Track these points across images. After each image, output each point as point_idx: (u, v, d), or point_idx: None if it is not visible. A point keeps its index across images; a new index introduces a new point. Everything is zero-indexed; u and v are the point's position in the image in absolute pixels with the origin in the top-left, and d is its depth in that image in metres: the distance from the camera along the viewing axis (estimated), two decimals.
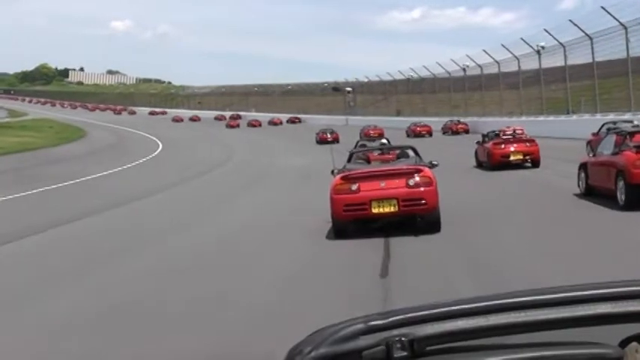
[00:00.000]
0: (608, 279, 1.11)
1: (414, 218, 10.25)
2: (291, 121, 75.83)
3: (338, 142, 38.23)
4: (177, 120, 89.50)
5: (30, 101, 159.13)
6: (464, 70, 52.13)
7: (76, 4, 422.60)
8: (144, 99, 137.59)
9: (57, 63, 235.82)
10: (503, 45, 44.27)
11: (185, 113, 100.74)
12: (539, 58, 41.29)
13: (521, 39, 41.72)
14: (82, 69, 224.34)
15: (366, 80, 73.32)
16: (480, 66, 48.97)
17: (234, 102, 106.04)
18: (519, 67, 44.30)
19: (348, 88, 74.87)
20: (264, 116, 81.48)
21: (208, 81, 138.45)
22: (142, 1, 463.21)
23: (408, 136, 42.48)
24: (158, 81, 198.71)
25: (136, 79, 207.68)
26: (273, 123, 72.71)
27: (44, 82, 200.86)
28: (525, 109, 44.19)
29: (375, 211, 10.06)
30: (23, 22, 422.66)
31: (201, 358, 5.41)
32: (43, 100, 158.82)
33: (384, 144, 18.31)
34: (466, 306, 1.07)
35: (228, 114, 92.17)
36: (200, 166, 28.06)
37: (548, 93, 41.89)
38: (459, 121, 46.57)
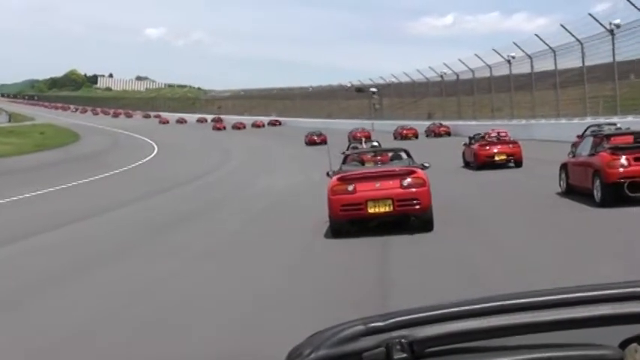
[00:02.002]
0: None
1: (409, 218, 11.11)
2: (272, 123, 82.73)
3: (326, 143, 39.81)
4: (181, 122, 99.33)
5: (47, 106, 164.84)
6: (508, 61, 45.23)
7: (113, 12, 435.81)
8: (164, 104, 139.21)
9: (89, 70, 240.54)
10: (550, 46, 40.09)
11: (190, 116, 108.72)
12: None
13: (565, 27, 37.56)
14: (110, 75, 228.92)
15: (393, 82, 68.81)
16: (529, 57, 42.42)
17: (254, 106, 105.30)
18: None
19: (373, 89, 70.60)
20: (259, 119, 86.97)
21: (238, 86, 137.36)
22: (178, 9, 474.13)
23: (395, 138, 45.89)
24: (181, 86, 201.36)
25: (164, 84, 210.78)
26: (256, 125, 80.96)
27: (73, 88, 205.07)
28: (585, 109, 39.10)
29: (371, 211, 10.86)
30: (58, 30, 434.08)
31: (200, 357, 5.60)
32: (59, 104, 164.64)
33: (374, 146, 19.45)
34: (466, 307, 1.09)
35: (249, 118, 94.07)
36: (181, 177, 26.48)
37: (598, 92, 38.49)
38: (440, 124, 50.66)
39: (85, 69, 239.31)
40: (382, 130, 55.01)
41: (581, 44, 36.09)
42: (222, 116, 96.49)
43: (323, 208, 11.50)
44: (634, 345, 1.05)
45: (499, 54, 45.26)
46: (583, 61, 36.22)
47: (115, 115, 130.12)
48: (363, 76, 74.72)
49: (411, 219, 11.14)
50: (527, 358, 1.05)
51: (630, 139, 13.97)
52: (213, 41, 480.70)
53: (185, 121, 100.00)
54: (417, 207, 10.84)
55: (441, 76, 56.78)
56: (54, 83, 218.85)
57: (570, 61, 38.27)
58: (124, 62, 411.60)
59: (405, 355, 1.05)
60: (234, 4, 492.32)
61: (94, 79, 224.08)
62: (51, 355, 6.10)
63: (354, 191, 10.96)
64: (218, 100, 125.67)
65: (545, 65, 40.85)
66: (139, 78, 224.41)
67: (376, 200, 10.86)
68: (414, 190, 10.89)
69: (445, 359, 1.08)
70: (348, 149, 19.28)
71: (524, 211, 12.91)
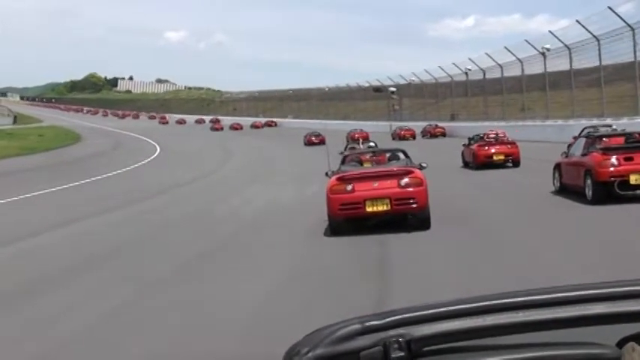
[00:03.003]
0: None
1: (406, 216, 11.54)
2: (267, 124, 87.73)
3: (324, 143, 40.39)
4: (180, 122, 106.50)
5: (62, 109, 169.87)
6: (542, 53, 41.80)
7: (133, 16, 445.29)
8: (179, 106, 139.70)
9: (111, 73, 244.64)
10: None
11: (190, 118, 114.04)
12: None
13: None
14: (131, 78, 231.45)
15: (414, 80, 66.37)
16: (567, 47, 39.41)
17: (269, 108, 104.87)
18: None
19: (392, 89, 68.35)
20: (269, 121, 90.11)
21: (258, 88, 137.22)
22: (199, 12, 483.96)
23: (394, 138, 47.88)
24: (198, 88, 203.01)
25: (185, 87, 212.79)
26: (255, 126, 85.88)
27: (93, 91, 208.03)
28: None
29: (369, 209, 11.31)
30: (80, 34, 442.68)
31: (200, 357, 5.66)
32: (74, 107, 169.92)
33: (371, 146, 20.14)
34: (464, 306, 1.11)
35: (263, 120, 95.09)
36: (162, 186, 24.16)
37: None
38: (436, 125, 53.09)
39: (107, 72, 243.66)
40: None
41: (598, 41, 35.86)
42: (219, 117, 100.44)
43: (316, 250, 10.40)
44: (631, 343, 1.06)
45: (532, 46, 41.97)
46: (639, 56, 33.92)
47: (122, 117, 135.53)
48: (383, 78, 71.46)
49: (409, 217, 11.57)
50: (525, 357, 1.07)
51: (621, 140, 14.71)
52: (233, 44, 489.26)
53: (184, 122, 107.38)
54: (414, 206, 11.29)
55: (466, 73, 54.50)
56: (74, 86, 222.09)
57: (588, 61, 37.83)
58: (145, 65, 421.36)
59: (402, 353, 1.07)
60: (255, 7, 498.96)
61: (114, 81, 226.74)
62: None
63: (353, 190, 11.43)
64: (233, 102, 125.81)
65: (583, 62, 39.07)
66: (159, 80, 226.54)
67: (374, 199, 11.30)
68: (411, 189, 11.34)
69: (443, 358, 1.09)
70: (345, 149, 19.97)
71: (518, 208, 13.94)
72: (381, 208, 11.32)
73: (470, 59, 52.58)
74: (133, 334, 6.52)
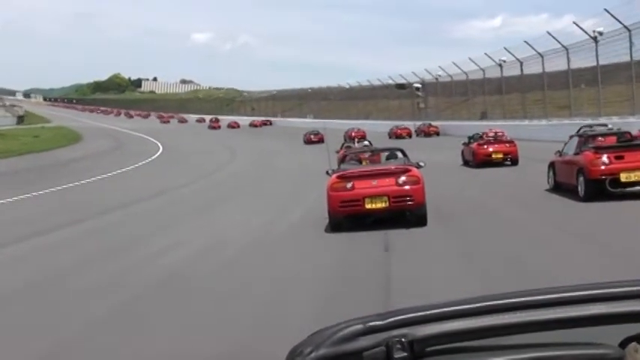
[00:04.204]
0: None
1: (404, 213, 12.27)
2: (264, 123, 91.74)
3: (323, 142, 42.27)
4: (182, 121, 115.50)
5: (78, 109, 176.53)
6: (594, 38, 36.97)
7: (161, 18, 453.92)
8: (199, 106, 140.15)
9: (136, 74, 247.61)
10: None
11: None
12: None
13: None
14: (155, 79, 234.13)
15: (440, 76, 61.30)
16: (627, 29, 34.79)
17: (287, 108, 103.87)
18: None
19: (417, 85, 65.57)
20: (284, 121, 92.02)
21: (282, 88, 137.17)
22: (225, 14, 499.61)
23: (390, 137, 50.73)
24: (218, 89, 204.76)
25: (209, 87, 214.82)
26: (253, 125, 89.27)
27: (116, 91, 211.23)
28: None
29: (368, 206, 12.00)
30: (108, 37, 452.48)
31: (200, 357, 5.68)
32: (89, 107, 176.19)
33: (366, 145, 21.37)
34: (466, 306, 1.13)
35: (278, 119, 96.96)
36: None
37: None
38: (430, 124, 55.85)
39: (133, 74, 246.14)
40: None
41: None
42: (219, 116, 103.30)
43: None
44: (634, 344, 1.09)
45: (581, 28, 37.51)
46: None
47: (130, 117, 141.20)
48: (407, 74, 67.59)
49: (407, 214, 12.29)
50: (528, 357, 1.10)
51: (614, 139, 15.60)
52: (259, 45, 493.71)
53: (186, 121, 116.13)
54: (412, 203, 12.03)
55: (500, 65, 50.07)
56: (97, 87, 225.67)
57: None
58: (171, 67, 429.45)
59: (405, 354, 1.10)
60: (282, 8, 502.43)
61: (138, 82, 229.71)
62: None
63: (353, 188, 12.12)
64: (251, 102, 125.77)
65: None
66: (183, 81, 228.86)
67: (373, 197, 12.00)
68: (408, 187, 12.06)
69: (445, 358, 1.12)
70: (342, 148, 21.56)
71: (515, 203, 15.18)
72: (380, 205, 12.02)
73: (505, 48, 47.80)
74: None
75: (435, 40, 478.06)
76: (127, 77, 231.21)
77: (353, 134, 46.70)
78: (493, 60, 49.93)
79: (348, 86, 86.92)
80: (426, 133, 53.71)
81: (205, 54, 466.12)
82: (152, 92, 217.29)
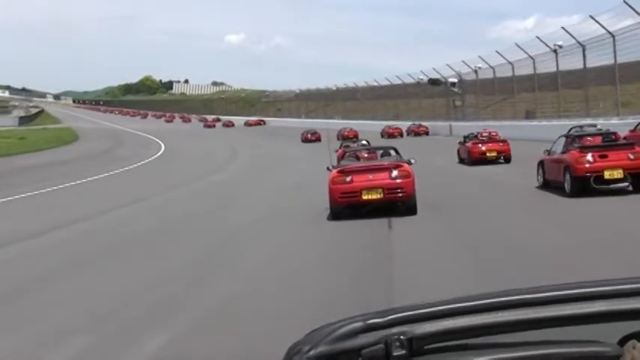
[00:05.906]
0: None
1: (396, 203, 14.41)
2: (257, 123, 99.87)
3: (320, 140, 44.50)
4: (186, 121, 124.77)
5: (100, 111, 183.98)
6: None
7: (195, 20, 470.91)
8: (223, 107, 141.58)
9: (167, 76, 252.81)
10: None
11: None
12: None
13: None
14: (186, 81, 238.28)
15: (480, 68, 55.92)
16: None
17: (312, 109, 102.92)
18: None
19: (452, 80, 60.00)
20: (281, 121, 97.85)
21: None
22: (259, 16, 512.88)
23: (382, 136, 55.24)
24: (243, 90, 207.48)
25: (241, 89, 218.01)
26: (248, 124, 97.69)
27: (147, 94, 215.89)
28: None
29: (364, 197, 14.15)
30: (142, 39, 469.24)
31: (200, 357, 5.96)
32: (106, 108, 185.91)
33: (364, 145, 23.90)
34: (465, 304, 1.17)
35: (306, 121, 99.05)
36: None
37: None
38: (420, 124, 59.87)
39: (164, 76, 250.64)
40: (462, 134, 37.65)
41: None
42: (237, 117, 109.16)
43: None
44: (632, 341, 1.13)
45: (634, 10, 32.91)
46: None
47: (144, 117, 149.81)
48: (441, 68, 61.19)
49: (399, 204, 14.39)
50: (527, 355, 1.14)
51: (599, 139, 17.20)
52: (291, 47, 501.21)
53: (190, 120, 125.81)
54: (403, 195, 14.18)
55: (555, 51, 42.36)
56: (128, 89, 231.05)
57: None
58: (203, 68, 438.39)
59: (403, 351, 1.13)
60: (316, 9, 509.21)
61: (169, 84, 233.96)
62: None
63: (351, 181, 14.26)
64: (275, 102, 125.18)
65: None
66: (214, 83, 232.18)
67: (369, 189, 14.14)
68: (400, 180, 14.21)
69: (444, 356, 1.16)
70: (340, 147, 24.73)
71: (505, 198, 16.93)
72: (375, 196, 14.15)
73: (563, 27, 40.23)
74: None
75: (469, 42, 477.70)
76: (157, 79, 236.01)
77: (345, 133, 54.06)
78: (547, 45, 42.49)
79: (376, 84, 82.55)
80: (416, 132, 57.99)
81: (237, 55, 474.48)
82: (183, 94, 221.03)
